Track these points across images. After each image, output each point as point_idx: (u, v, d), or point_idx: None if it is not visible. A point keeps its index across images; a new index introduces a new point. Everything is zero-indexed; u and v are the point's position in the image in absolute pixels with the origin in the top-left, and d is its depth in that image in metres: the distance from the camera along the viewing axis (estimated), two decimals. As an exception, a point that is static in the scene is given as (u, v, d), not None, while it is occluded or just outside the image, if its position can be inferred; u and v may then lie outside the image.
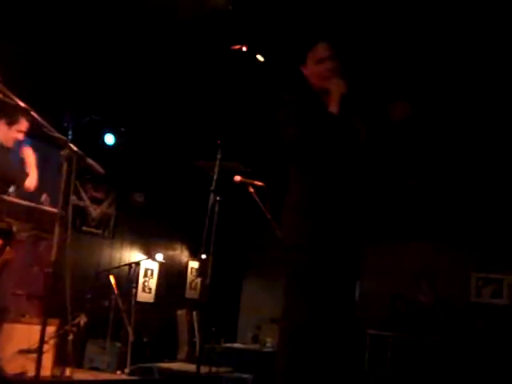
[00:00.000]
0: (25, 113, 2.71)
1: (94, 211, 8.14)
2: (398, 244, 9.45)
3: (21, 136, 4.85)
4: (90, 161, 2.98)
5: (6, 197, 2.73)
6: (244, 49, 5.53)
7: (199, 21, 5.33)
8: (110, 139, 8.00)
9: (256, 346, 8.68)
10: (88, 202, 7.98)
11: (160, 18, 5.48)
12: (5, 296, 4.79)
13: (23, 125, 4.80)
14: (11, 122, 4.75)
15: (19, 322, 5.29)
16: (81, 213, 7.86)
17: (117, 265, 7.93)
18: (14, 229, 2.53)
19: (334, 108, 3.19)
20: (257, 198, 5.01)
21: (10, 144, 4.90)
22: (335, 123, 3.18)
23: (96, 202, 8.19)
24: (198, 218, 5.65)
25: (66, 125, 6.90)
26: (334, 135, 3.16)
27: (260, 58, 5.77)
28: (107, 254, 8.37)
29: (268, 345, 8.59)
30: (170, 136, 8.25)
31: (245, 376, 6.73)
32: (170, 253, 9.43)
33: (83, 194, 7.88)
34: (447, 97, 6.50)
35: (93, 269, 7.78)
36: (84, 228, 7.92)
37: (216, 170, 4.93)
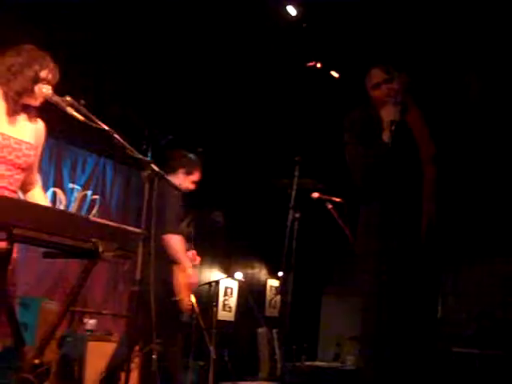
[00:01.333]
0: (108, 135, 2.78)
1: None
2: (483, 260, 9.17)
3: (193, 186, 5.19)
4: (171, 181, 3.02)
5: (91, 217, 2.80)
6: (318, 65, 5.53)
7: (275, 38, 5.36)
8: (187, 159, 8.11)
9: (337, 364, 8.58)
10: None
11: (237, 39, 5.54)
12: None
13: (197, 176, 5.05)
14: (189, 173, 5.05)
15: (106, 340, 5.41)
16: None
17: (197, 284, 7.98)
18: (100, 249, 2.57)
19: (385, 136, 3.20)
20: (335, 215, 4.96)
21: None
22: (386, 151, 3.16)
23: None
24: (277, 236, 5.65)
25: (144, 147, 7.09)
26: (386, 162, 3.16)
27: (334, 74, 5.76)
28: (187, 273, 8.46)
29: (349, 363, 8.47)
30: (247, 154, 8.31)
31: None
32: (249, 271, 9.46)
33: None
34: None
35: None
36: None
37: (294, 186, 4.92)
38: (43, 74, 2.97)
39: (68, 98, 2.74)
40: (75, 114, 2.73)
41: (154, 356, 5.66)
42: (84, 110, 2.76)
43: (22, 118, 3.08)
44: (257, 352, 8.51)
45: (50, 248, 2.80)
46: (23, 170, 3.06)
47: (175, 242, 4.78)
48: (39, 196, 3.29)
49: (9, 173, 2.97)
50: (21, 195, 3.22)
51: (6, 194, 2.91)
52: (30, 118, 3.11)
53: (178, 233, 4.91)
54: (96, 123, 2.77)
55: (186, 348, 6.84)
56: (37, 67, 2.96)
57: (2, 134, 2.94)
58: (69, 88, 2.95)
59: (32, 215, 2.39)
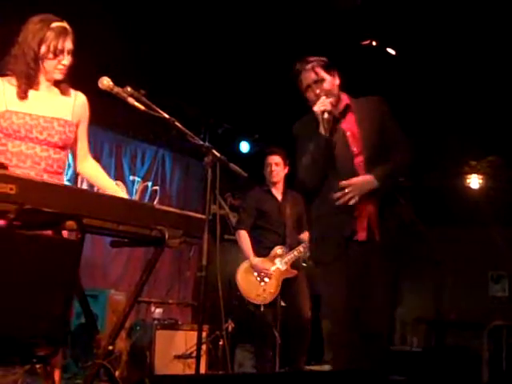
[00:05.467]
0: (169, 123, 2.80)
1: (234, 219, 8.28)
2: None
3: None
4: (232, 165, 3.03)
5: (156, 205, 2.83)
6: (374, 43, 5.45)
7: (330, 18, 5.28)
8: (244, 147, 8.15)
9: (404, 347, 8.50)
10: (228, 210, 8.15)
11: (292, 21, 5.48)
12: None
13: None
14: None
15: (173, 328, 5.49)
16: (221, 221, 8.02)
17: (259, 270, 7.98)
18: (166, 236, 2.59)
19: (321, 129, 3.30)
20: (397, 195, 4.91)
21: None
22: (322, 143, 3.30)
23: (235, 209, 8.33)
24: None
25: (202, 136, 7.14)
26: (325, 153, 3.30)
27: (391, 51, 5.66)
28: (249, 260, 8.48)
29: (415, 344, 8.40)
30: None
31: (398, 378, 6.59)
32: (311, 256, 9.41)
33: (222, 203, 8.05)
34: None
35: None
36: (225, 236, 8.08)
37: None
38: (43, 49, 2.89)
39: (129, 89, 2.76)
40: (136, 104, 2.76)
41: (220, 343, 5.74)
42: (145, 100, 2.79)
43: (54, 94, 3.03)
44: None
45: (118, 237, 2.84)
46: (61, 148, 2.99)
47: None
48: (93, 169, 3.24)
49: (45, 153, 2.92)
50: (65, 178, 3.22)
51: (46, 176, 2.87)
52: (64, 92, 3.05)
53: None
54: (157, 112, 2.80)
55: (251, 334, 6.88)
56: (33, 44, 2.88)
57: (30, 115, 2.89)
58: (125, 79, 2.96)
59: (99, 205, 2.41)
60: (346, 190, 3.25)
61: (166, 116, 2.81)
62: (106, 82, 2.82)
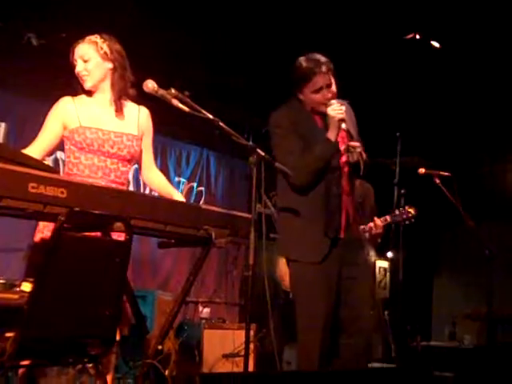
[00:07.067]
0: (214, 124, 2.81)
1: (279, 217, 8.29)
2: None
3: None
4: (278, 165, 3.04)
5: (202, 205, 2.86)
6: (417, 37, 5.39)
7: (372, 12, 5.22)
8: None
9: (454, 344, 8.36)
10: (273, 209, 8.15)
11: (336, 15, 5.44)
12: None
13: None
14: None
15: (221, 327, 5.52)
16: (267, 220, 8.02)
17: (305, 269, 7.99)
18: (213, 236, 2.61)
19: (332, 135, 3.31)
20: (444, 189, 4.87)
21: None
22: (333, 149, 3.33)
23: (280, 208, 8.33)
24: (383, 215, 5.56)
25: (246, 135, 7.17)
26: (329, 160, 3.33)
27: (435, 44, 5.57)
28: (295, 258, 8.48)
29: (466, 342, 8.24)
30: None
31: (446, 374, 6.50)
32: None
33: (268, 202, 8.06)
34: None
35: (282, 274, 7.92)
36: (271, 235, 8.07)
37: (397, 161, 4.89)
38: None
39: (173, 91, 2.78)
40: (181, 105, 2.78)
41: (267, 341, 5.75)
42: (189, 102, 2.80)
43: (121, 110, 3.14)
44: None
45: (165, 238, 2.88)
46: (129, 161, 3.12)
47: None
48: (158, 179, 3.34)
49: (114, 166, 3.05)
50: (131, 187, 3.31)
51: (114, 186, 2.96)
52: (129, 107, 3.18)
53: None
54: (202, 113, 2.81)
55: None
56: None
57: (102, 130, 3.03)
58: (168, 81, 2.98)
59: (147, 206, 2.45)
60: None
61: (211, 117, 2.82)
62: (150, 85, 2.83)
